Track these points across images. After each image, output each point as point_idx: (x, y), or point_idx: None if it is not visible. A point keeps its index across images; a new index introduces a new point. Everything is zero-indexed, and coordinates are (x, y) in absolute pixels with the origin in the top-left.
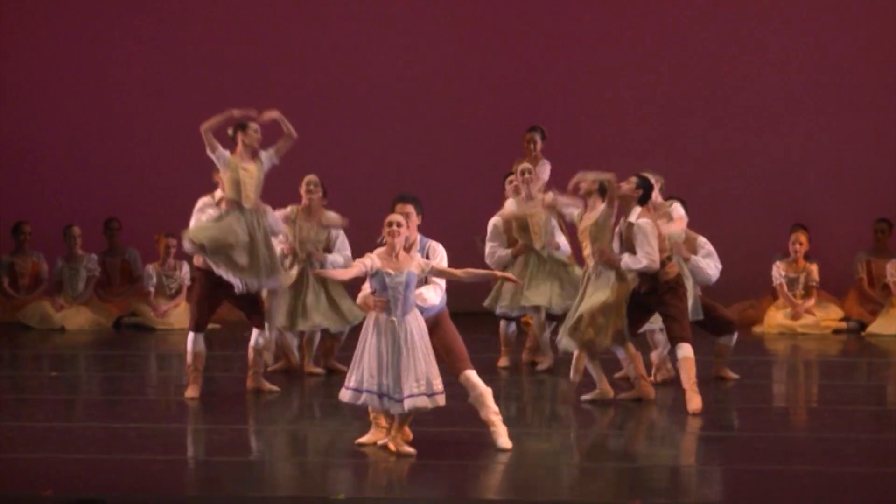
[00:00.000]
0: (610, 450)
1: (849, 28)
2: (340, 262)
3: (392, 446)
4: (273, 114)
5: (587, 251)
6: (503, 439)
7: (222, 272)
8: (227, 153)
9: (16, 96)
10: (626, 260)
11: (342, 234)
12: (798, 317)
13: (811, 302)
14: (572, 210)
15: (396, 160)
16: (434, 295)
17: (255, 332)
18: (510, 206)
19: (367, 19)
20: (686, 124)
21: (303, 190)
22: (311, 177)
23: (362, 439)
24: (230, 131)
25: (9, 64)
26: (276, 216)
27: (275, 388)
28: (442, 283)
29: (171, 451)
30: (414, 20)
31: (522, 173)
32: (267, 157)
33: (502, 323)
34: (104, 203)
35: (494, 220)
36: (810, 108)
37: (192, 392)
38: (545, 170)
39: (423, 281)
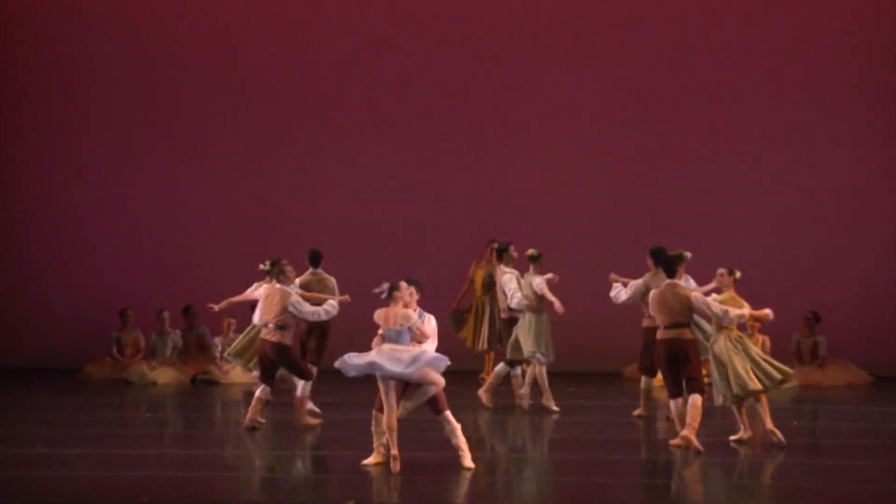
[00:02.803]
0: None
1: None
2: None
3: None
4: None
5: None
6: (467, 461)
7: None
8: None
9: (108, 203)
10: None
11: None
12: None
13: None
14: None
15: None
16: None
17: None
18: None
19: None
20: (598, 234)
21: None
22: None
23: (367, 461)
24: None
25: (95, 171)
26: None
27: (314, 421)
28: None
29: (230, 469)
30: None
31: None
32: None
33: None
34: (182, 292)
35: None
36: (680, 223)
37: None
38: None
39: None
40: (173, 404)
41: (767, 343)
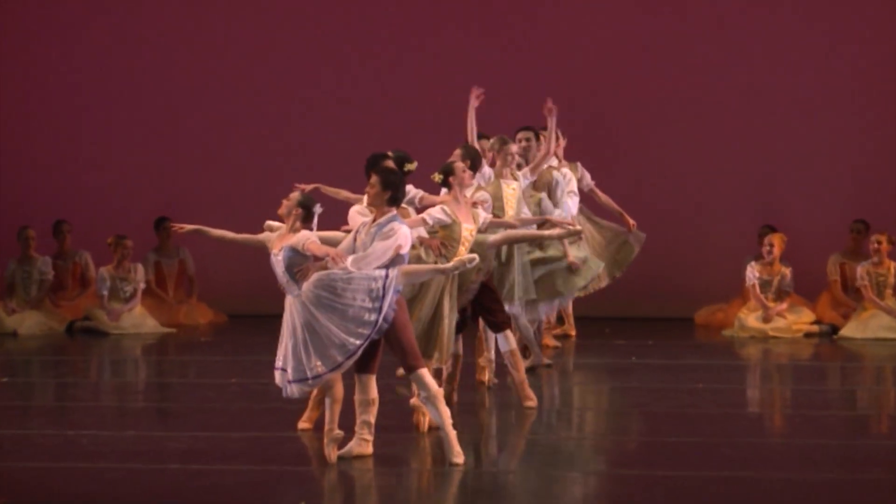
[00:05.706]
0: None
1: (815, 32)
2: None
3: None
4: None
5: None
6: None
7: None
8: None
9: None
10: None
11: None
12: (769, 320)
13: (784, 305)
14: None
15: None
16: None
17: None
18: None
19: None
20: (659, 129)
21: None
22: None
23: (343, 451)
24: None
25: None
26: None
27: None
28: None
29: (125, 459)
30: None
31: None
32: None
33: None
34: (55, 204)
35: None
36: (782, 109)
37: None
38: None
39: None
40: (42, 363)
41: None
